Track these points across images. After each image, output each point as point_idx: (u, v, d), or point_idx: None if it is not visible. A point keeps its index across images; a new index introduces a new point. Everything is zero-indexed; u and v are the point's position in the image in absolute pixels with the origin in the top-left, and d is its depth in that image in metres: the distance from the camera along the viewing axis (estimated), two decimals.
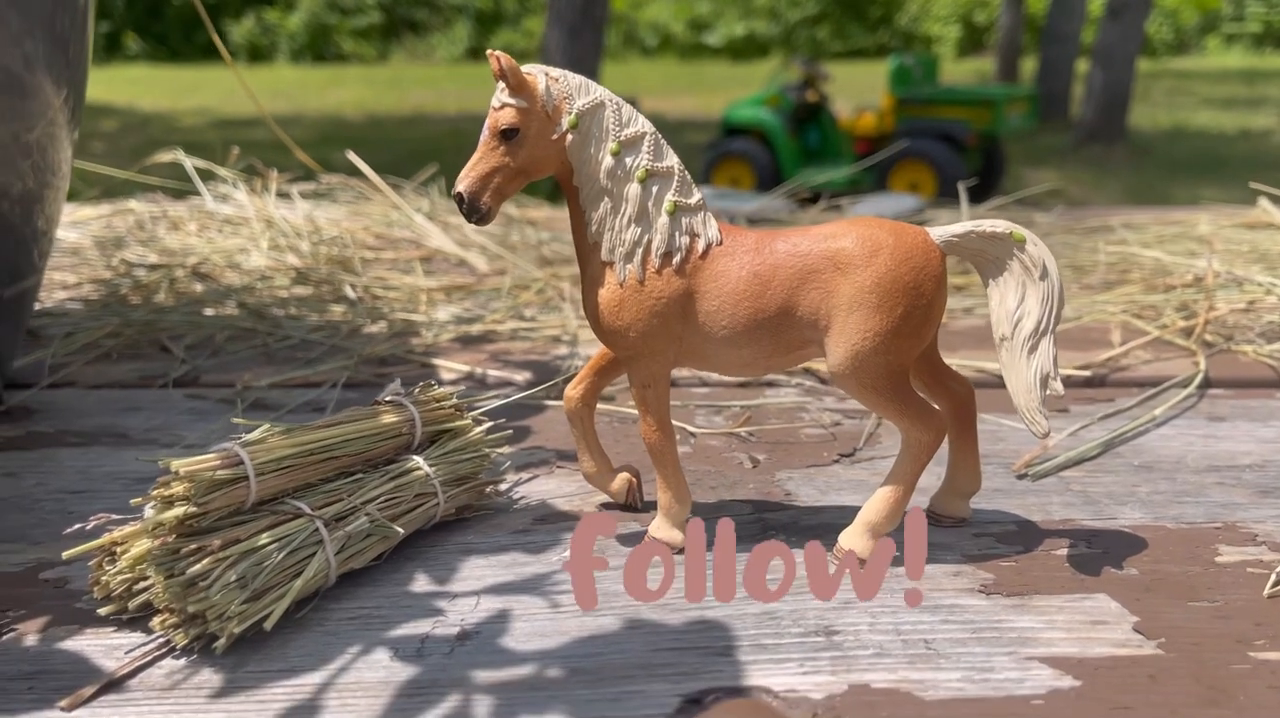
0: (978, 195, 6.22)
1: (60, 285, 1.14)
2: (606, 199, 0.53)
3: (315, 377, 0.85)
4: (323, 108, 11.57)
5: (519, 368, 0.88)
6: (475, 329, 0.97)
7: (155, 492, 0.47)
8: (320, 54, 17.74)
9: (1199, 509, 0.61)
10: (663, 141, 0.54)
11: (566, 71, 0.53)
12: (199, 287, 1.10)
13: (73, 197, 1.68)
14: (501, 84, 0.51)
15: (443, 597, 0.52)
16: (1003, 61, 11.36)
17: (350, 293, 1.05)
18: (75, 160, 0.85)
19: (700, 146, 7.34)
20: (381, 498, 0.54)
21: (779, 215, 1.50)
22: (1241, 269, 1.05)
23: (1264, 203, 1.34)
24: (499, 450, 0.63)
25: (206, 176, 1.37)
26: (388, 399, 0.59)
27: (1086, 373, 0.84)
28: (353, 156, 1.22)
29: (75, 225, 1.37)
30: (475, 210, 0.52)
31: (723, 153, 6.43)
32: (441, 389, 0.62)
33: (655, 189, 0.53)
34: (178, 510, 0.46)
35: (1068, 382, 0.83)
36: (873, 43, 16.61)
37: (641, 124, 0.53)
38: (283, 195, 1.38)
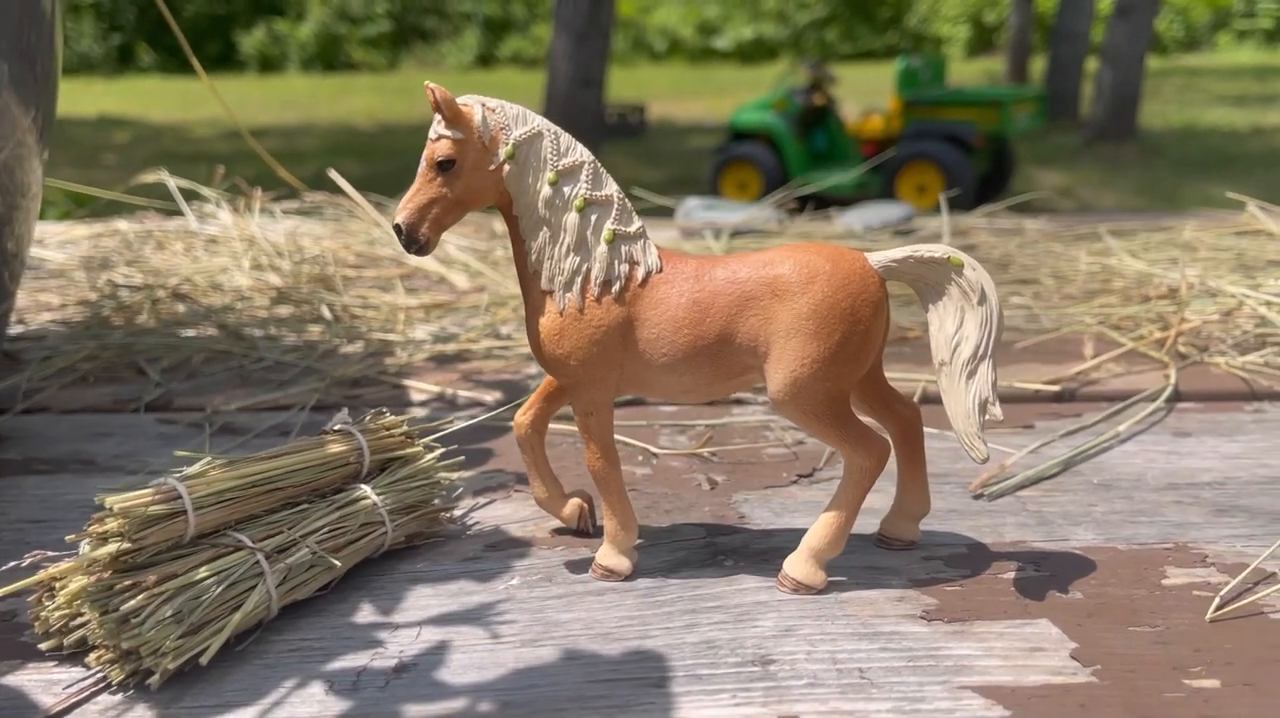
0: (987, 196, 6.18)
1: (45, 307, 1.15)
2: (545, 228, 0.53)
3: (285, 399, 0.85)
4: (333, 117, 11.63)
5: (490, 388, 0.88)
6: (450, 348, 0.97)
7: (90, 528, 0.47)
8: (330, 63, 17.83)
9: (1152, 529, 0.60)
10: (602, 170, 0.54)
11: (504, 102, 0.53)
12: (180, 308, 1.11)
13: (65, 216, 1.70)
14: (438, 115, 0.51)
15: (385, 628, 0.52)
16: (1012, 61, 11.32)
17: (327, 313, 1.05)
18: (60, 180, 0.86)
19: (709, 151, 7.34)
20: (326, 528, 0.54)
21: (767, 226, 1.50)
22: (1221, 278, 1.04)
23: (1252, 208, 1.33)
24: (452, 476, 0.63)
25: (190, 196, 1.38)
26: (336, 428, 0.59)
27: (1055, 388, 0.83)
28: (334, 174, 1.22)
29: (64, 246, 1.38)
30: (414, 241, 0.52)
31: (730, 157, 6.43)
32: (391, 417, 0.62)
33: (594, 218, 0.53)
34: (111, 547, 0.46)
35: (1036, 397, 0.83)
36: (882, 44, 16.58)
37: (580, 153, 0.53)
38: (266, 213, 1.39)
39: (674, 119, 10.53)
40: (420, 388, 0.88)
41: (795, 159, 6.28)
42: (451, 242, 1.29)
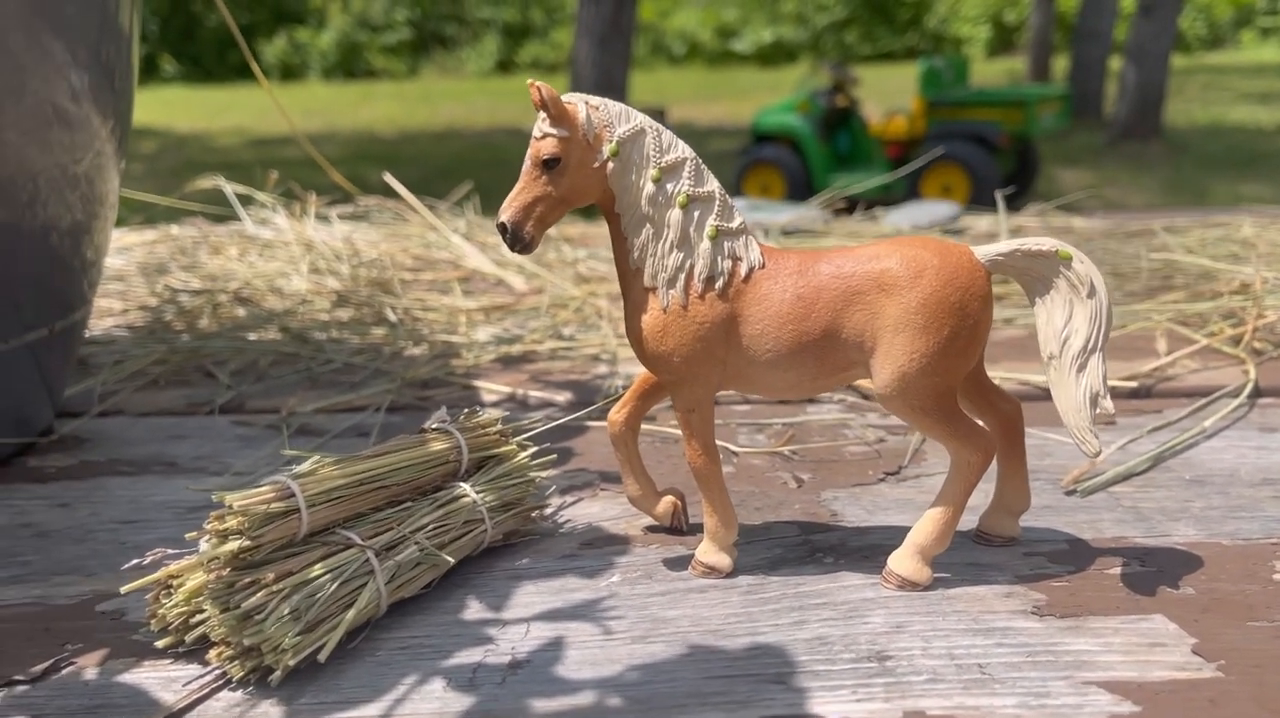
0: (1012, 197, 6.16)
1: (107, 312, 1.16)
2: (648, 225, 0.53)
3: (359, 401, 0.86)
4: (355, 125, 11.70)
5: (559, 388, 0.88)
6: (515, 350, 0.98)
7: (210, 525, 0.47)
8: (351, 71, 17.94)
9: (1254, 525, 0.60)
10: (703, 167, 0.54)
11: (606, 100, 0.53)
12: (241, 311, 1.11)
13: (117, 223, 1.71)
14: (542, 114, 0.51)
15: (493, 624, 0.52)
16: (1034, 61, 11.26)
17: (391, 315, 1.06)
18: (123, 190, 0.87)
19: (730, 154, 7.33)
20: (430, 526, 0.55)
21: (814, 226, 1.49)
22: None
23: None
24: (545, 474, 0.63)
25: (245, 201, 1.39)
26: (434, 427, 0.59)
27: (1133, 384, 0.83)
28: (389, 178, 1.23)
29: (120, 252, 1.40)
30: (519, 240, 0.52)
31: (753, 160, 6.43)
32: (486, 415, 0.62)
33: (697, 214, 0.53)
34: (232, 545, 0.46)
35: (1113, 393, 0.83)
36: (901, 45, 16.53)
37: (682, 150, 0.53)
38: (321, 218, 1.40)
39: (694, 122, 10.53)
40: (491, 388, 0.88)
41: (818, 161, 6.27)
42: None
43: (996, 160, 6.14)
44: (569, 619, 0.52)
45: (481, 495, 0.57)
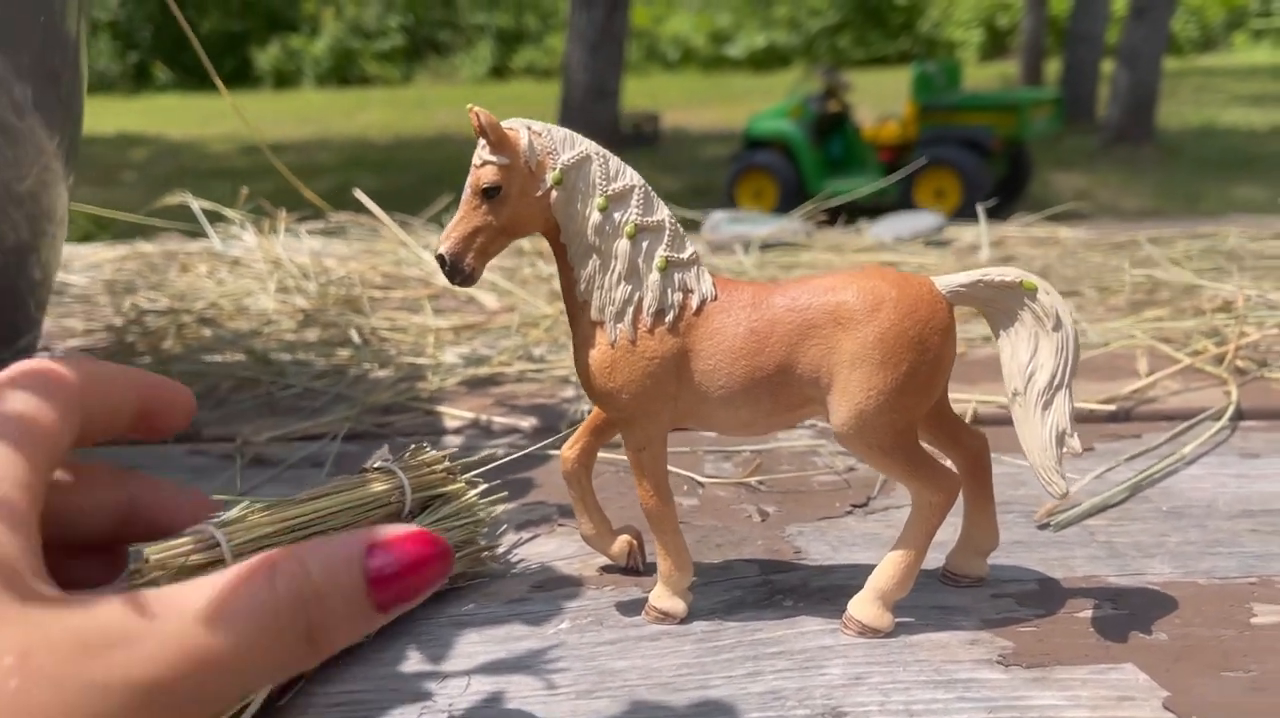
0: (1005, 201, 6.14)
1: (70, 333, 1.14)
2: (595, 256, 0.51)
3: (316, 428, 0.83)
4: (349, 131, 11.69)
5: (525, 413, 0.86)
6: (482, 372, 0.95)
7: (129, 582, 0.45)
8: (345, 78, 17.94)
9: (1232, 562, 0.57)
10: (653, 194, 0.51)
11: (550, 125, 0.51)
12: (207, 332, 1.09)
13: (87, 239, 1.69)
14: (482, 141, 0.49)
15: (432, 678, 0.50)
16: (1026, 65, 11.28)
17: (355, 337, 1.03)
18: (83, 204, 0.85)
19: (724, 159, 7.32)
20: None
21: (795, 239, 1.47)
22: (1273, 286, 1.01)
23: None
24: (497, 510, 0.61)
25: (217, 217, 1.36)
26: (376, 466, 0.57)
27: (1111, 407, 0.81)
28: (359, 194, 1.21)
29: (88, 269, 1.37)
30: (458, 272, 0.50)
31: (746, 165, 6.42)
32: (433, 453, 0.59)
33: (645, 245, 0.51)
34: None
35: (1092, 416, 0.80)
36: (894, 50, 16.55)
37: (630, 177, 0.51)
38: (291, 233, 1.38)
39: (688, 128, 10.53)
40: (454, 414, 0.85)
41: (811, 167, 6.26)
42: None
43: (989, 165, 6.14)
44: (512, 672, 0.50)
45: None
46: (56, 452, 0.40)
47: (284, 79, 17.84)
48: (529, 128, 0.50)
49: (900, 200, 5.66)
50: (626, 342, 0.50)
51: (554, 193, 0.50)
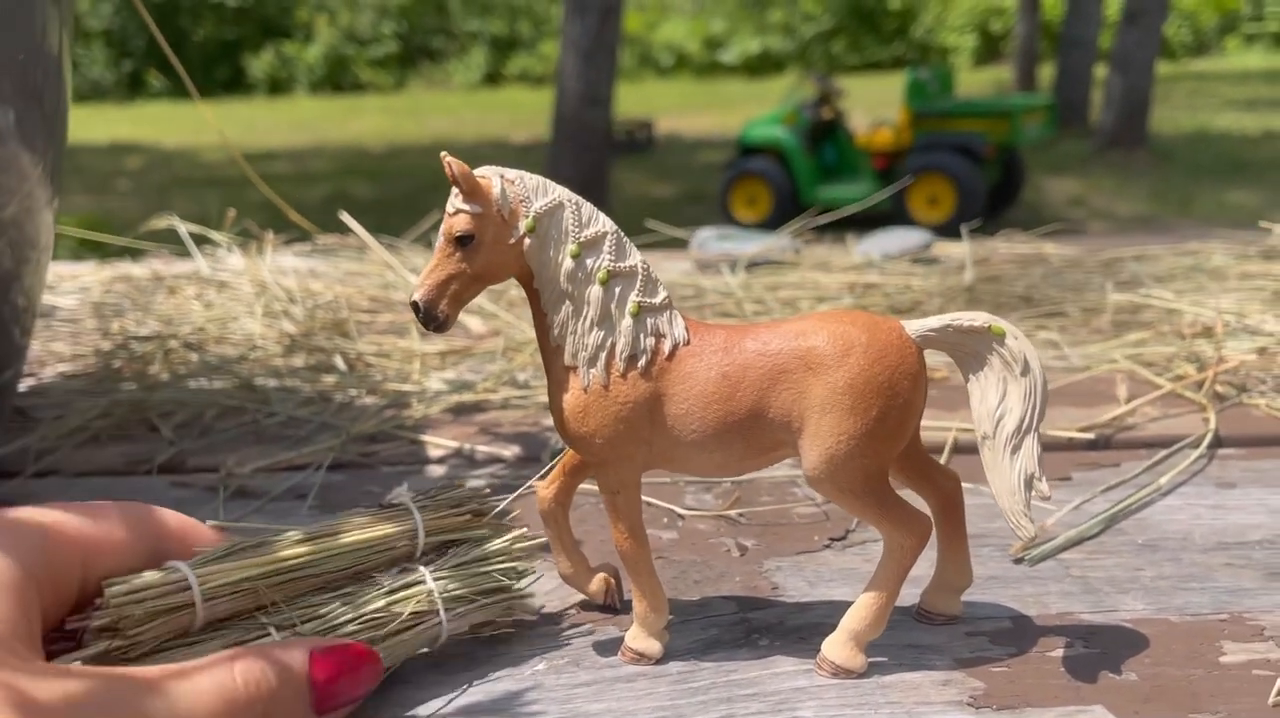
0: (998, 207, 6.15)
1: (57, 357, 1.14)
2: (568, 302, 0.51)
3: (300, 459, 0.83)
4: (343, 138, 11.70)
5: (508, 441, 0.86)
6: (468, 398, 0.96)
7: (95, 623, 0.45)
8: (338, 85, 17.95)
9: (1204, 598, 0.58)
10: (625, 240, 0.52)
11: (523, 173, 0.51)
12: (193, 357, 1.09)
13: (78, 257, 1.69)
14: (455, 189, 0.50)
15: None
16: (1020, 70, 11.30)
17: (341, 363, 1.04)
18: (70, 227, 0.85)
19: (718, 166, 7.33)
20: (365, 618, 0.51)
21: (783, 256, 1.48)
22: (1260, 312, 1.01)
23: (1279, 232, 1.30)
24: (530, 558, 0.58)
25: (201, 240, 1.36)
26: (392, 503, 0.56)
27: (1090, 435, 0.81)
28: (345, 217, 1.21)
29: (76, 291, 1.37)
30: (432, 319, 0.50)
31: (740, 172, 6.44)
32: (466, 489, 0.58)
33: (618, 290, 0.51)
34: (100, 646, 0.44)
35: (1070, 445, 0.81)
36: (888, 55, 16.58)
37: (602, 223, 0.52)
38: (281, 255, 1.38)
39: (681, 134, 10.55)
40: (438, 443, 0.86)
41: (805, 173, 6.28)
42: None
43: (982, 171, 6.16)
44: (487, 714, 0.50)
45: (442, 583, 0.54)
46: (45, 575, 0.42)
47: (278, 86, 17.85)
48: (502, 175, 0.51)
49: (893, 208, 5.67)
50: (599, 387, 0.51)
51: (527, 240, 0.50)
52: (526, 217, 0.50)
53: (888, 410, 0.49)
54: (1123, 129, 8.20)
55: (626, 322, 0.51)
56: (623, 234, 0.52)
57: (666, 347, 0.51)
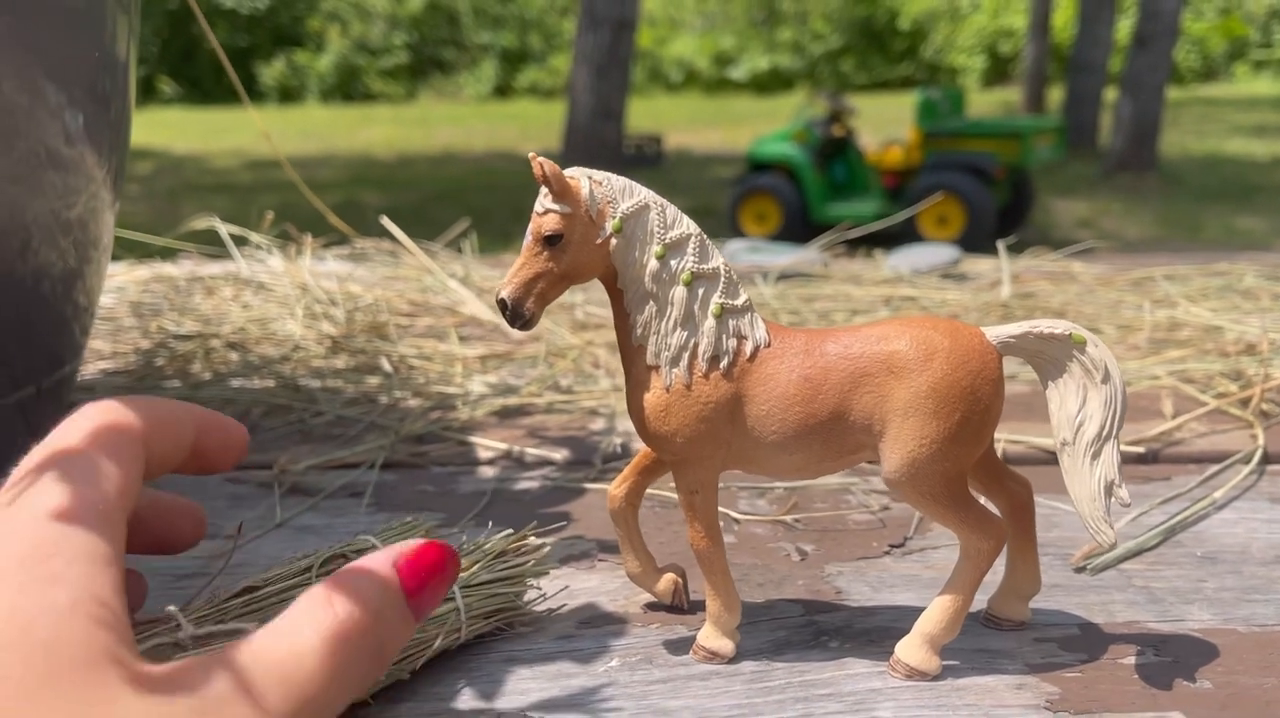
0: (1007, 228, 6.15)
1: (97, 354, 1.14)
2: (651, 303, 0.52)
3: (352, 457, 0.84)
4: (352, 147, 11.73)
5: (557, 445, 0.87)
6: (512, 401, 0.96)
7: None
8: (349, 94, 18.02)
9: (1269, 609, 0.58)
10: (708, 243, 0.53)
11: (610, 174, 0.52)
12: (234, 356, 1.10)
13: (114, 258, 1.69)
14: (544, 189, 0.50)
15: (486, 714, 0.50)
16: (1029, 92, 11.34)
17: (387, 365, 1.04)
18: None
19: (726, 181, 7.35)
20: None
21: (813, 269, 1.48)
22: None
23: None
24: (545, 569, 0.60)
25: (240, 241, 1.37)
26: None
27: (1140, 449, 0.82)
28: (386, 222, 1.22)
29: (112, 291, 1.38)
30: (519, 317, 0.51)
31: (749, 188, 6.45)
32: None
33: (701, 292, 0.52)
34: None
35: (1121, 458, 0.81)
36: (897, 75, 16.64)
37: (686, 225, 0.52)
38: (317, 258, 1.39)
39: (691, 149, 10.57)
40: (487, 445, 0.86)
41: (815, 190, 6.29)
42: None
43: (992, 191, 6.16)
44: (566, 710, 0.50)
45: (468, 601, 0.54)
46: (128, 506, 0.41)
47: (288, 94, 17.93)
48: (590, 177, 0.51)
49: (902, 226, 5.68)
50: (681, 386, 0.51)
51: (613, 240, 0.51)
52: (614, 217, 0.51)
53: (969, 415, 0.49)
54: (1132, 153, 8.22)
55: (709, 323, 0.51)
56: (706, 237, 0.53)
57: (748, 348, 0.52)
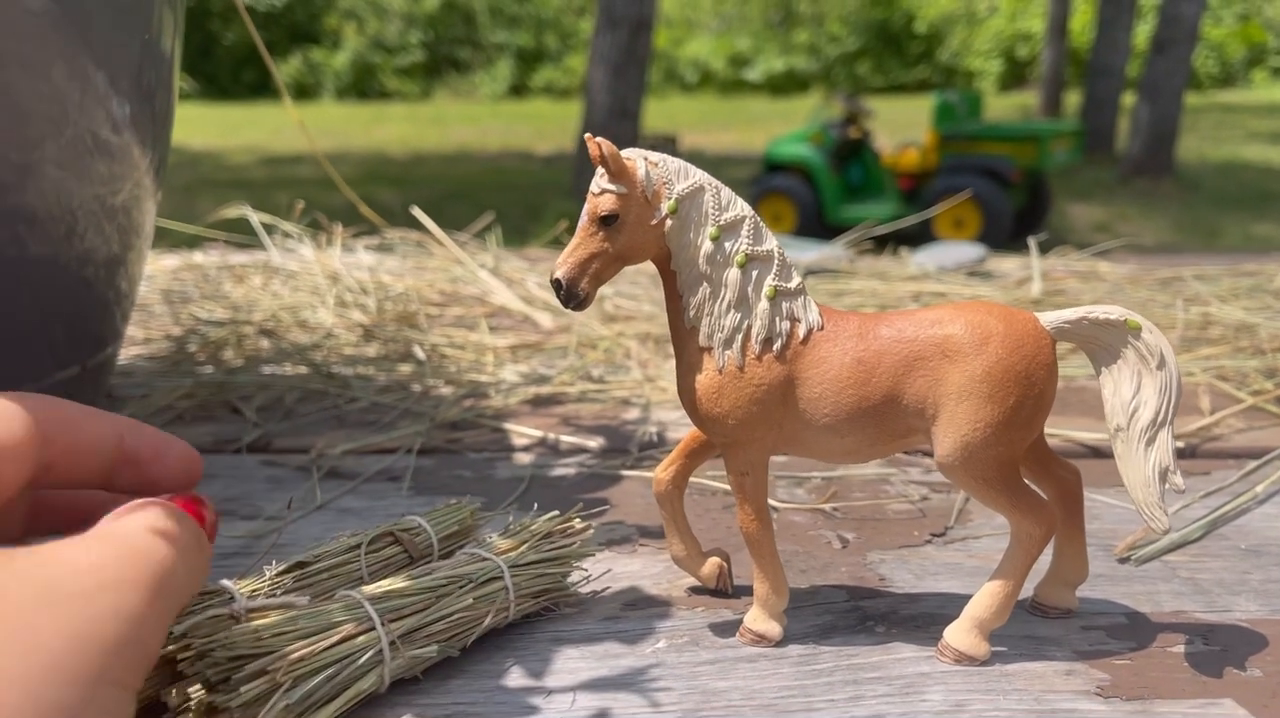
0: (1023, 232, 6.13)
1: (130, 341, 1.15)
2: (705, 284, 0.52)
3: (388, 443, 0.84)
4: (367, 145, 11.76)
5: (591, 433, 0.87)
6: (544, 391, 0.96)
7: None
8: (364, 92, 18.07)
9: None
10: (762, 225, 0.53)
11: (665, 156, 0.52)
12: (266, 343, 1.10)
13: None
14: (601, 170, 0.50)
15: (537, 693, 0.50)
16: (1046, 96, 11.31)
17: (420, 353, 1.05)
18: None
19: (741, 182, 7.33)
20: (455, 615, 0.52)
21: (839, 265, 1.48)
22: None
23: None
24: (586, 568, 0.60)
25: (269, 229, 1.38)
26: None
27: (1179, 444, 0.81)
28: (418, 212, 1.22)
29: (143, 278, 1.39)
30: (574, 297, 0.51)
31: (765, 189, 6.44)
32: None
33: (755, 274, 0.52)
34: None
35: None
36: (913, 78, 16.61)
37: (741, 208, 0.52)
38: (346, 248, 1.39)
39: (705, 150, 10.57)
40: (521, 432, 0.86)
41: (831, 192, 6.28)
42: (534, 279, 1.29)
43: (1009, 195, 6.15)
44: (615, 689, 0.51)
45: (516, 581, 0.55)
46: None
47: (304, 91, 18.00)
48: (645, 158, 0.51)
49: (918, 228, 5.66)
50: (734, 368, 0.51)
51: (668, 221, 0.51)
52: (669, 198, 0.51)
53: (1023, 400, 0.49)
54: (1149, 158, 8.19)
55: (763, 304, 0.52)
56: (760, 220, 0.53)
57: (801, 331, 0.52)
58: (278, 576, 0.52)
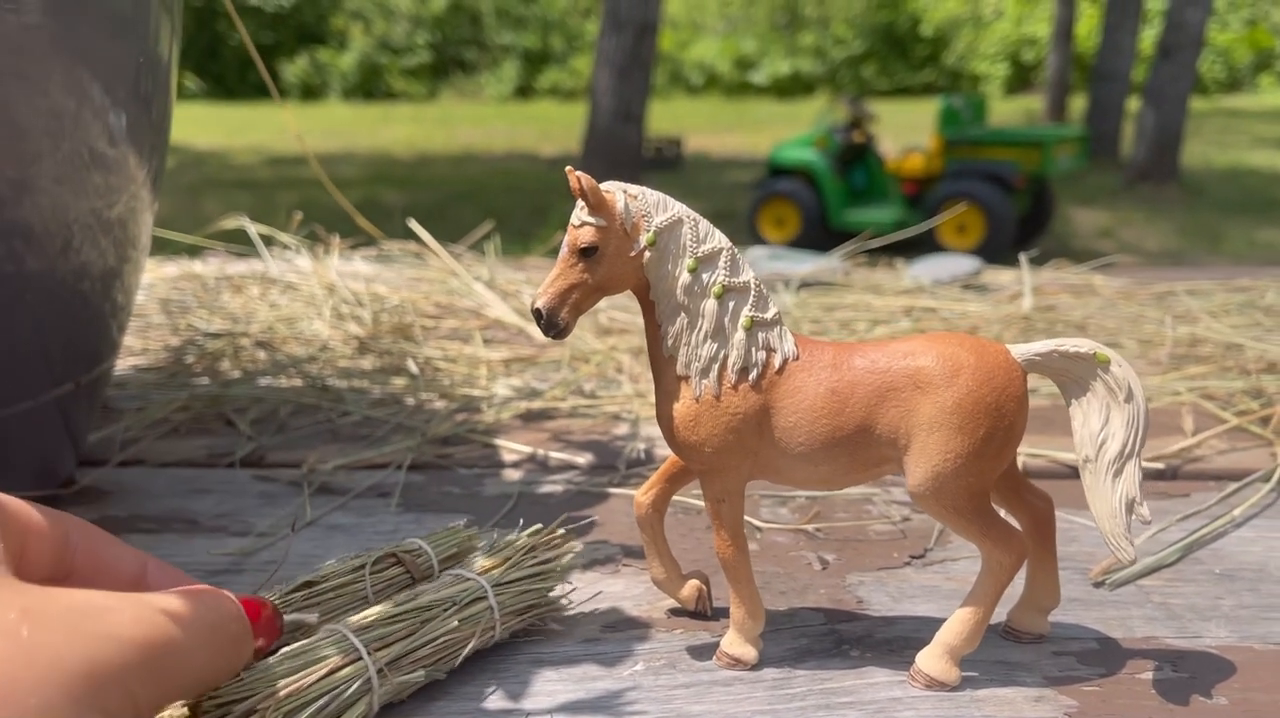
0: (1027, 237, 6.10)
1: (127, 351, 1.16)
2: (683, 315, 0.53)
3: (380, 458, 0.85)
4: (373, 145, 11.77)
5: (580, 449, 0.88)
6: (536, 405, 0.97)
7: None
8: (370, 92, 18.10)
9: None
10: (739, 257, 0.54)
11: (644, 189, 0.53)
12: (262, 355, 1.11)
13: None
14: (580, 202, 0.51)
15: (516, 714, 0.51)
16: (1051, 100, 11.30)
17: (413, 367, 1.06)
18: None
19: (746, 185, 7.35)
20: (441, 639, 0.53)
21: (834, 278, 1.49)
22: None
23: None
24: (569, 582, 0.62)
25: (268, 240, 1.39)
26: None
27: (1159, 465, 0.82)
28: (414, 225, 1.23)
29: (142, 288, 1.40)
30: (554, 326, 0.52)
31: (769, 193, 6.44)
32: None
33: (732, 305, 0.53)
34: None
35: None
36: (918, 81, 16.60)
37: (718, 240, 0.53)
38: (345, 259, 1.40)
39: (710, 152, 10.58)
40: (511, 448, 0.87)
41: (834, 196, 6.28)
42: (529, 291, 1.30)
43: (1013, 200, 6.14)
44: (592, 712, 0.52)
45: (501, 599, 0.56)
46: None
47: (311, 91, 18.05)
48: (625, 191, 0.52)
49: (922, 234, 5.66)
50: (711, 397, 0.52)
51: (647, 253, 0.52)
52: (648, 231, 0.52)
53: (994, 431, 0.50)
54: (1154, 163, 8.18)
55: (739, 335, 0.53)
56: (737, 251, 0.54)
57: (777, 361, 0.53)
58: (287, 593, 0.53)
